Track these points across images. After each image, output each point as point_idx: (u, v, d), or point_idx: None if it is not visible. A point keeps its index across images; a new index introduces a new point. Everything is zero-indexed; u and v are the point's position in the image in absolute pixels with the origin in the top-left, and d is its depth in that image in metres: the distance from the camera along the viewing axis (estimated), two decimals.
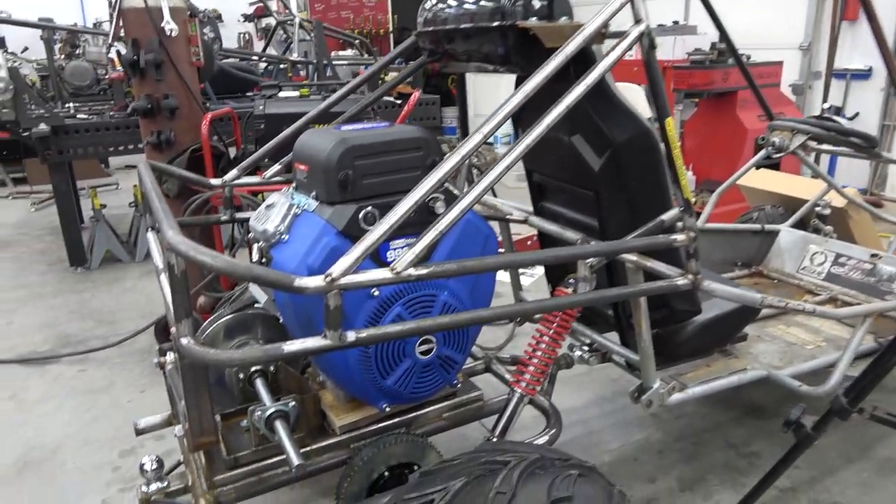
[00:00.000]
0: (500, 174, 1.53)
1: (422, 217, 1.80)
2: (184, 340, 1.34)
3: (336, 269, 1.34)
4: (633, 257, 1.95)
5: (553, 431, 2.07)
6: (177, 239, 1.26)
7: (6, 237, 6.55)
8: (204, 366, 1.31)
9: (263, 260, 1.92)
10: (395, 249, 1.83)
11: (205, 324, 2.17)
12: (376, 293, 1.78)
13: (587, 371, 3.56)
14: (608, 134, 1.92)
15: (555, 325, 1.95)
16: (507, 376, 2.46)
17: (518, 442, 1.76)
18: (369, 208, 1.75)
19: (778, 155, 2.86)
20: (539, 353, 1.95)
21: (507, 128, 9.43)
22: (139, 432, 2.25)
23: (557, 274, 2.68)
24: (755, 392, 3.29)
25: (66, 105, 6.19)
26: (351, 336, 1.38)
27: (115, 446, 3.05)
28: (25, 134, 4.93)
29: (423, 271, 1.41)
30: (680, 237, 1.75)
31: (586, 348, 2.58)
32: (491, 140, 9.95)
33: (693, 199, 1.95)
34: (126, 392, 3.54)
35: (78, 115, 5.47)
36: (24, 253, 6.04)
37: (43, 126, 4.79)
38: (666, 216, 1.81)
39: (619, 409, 3.27)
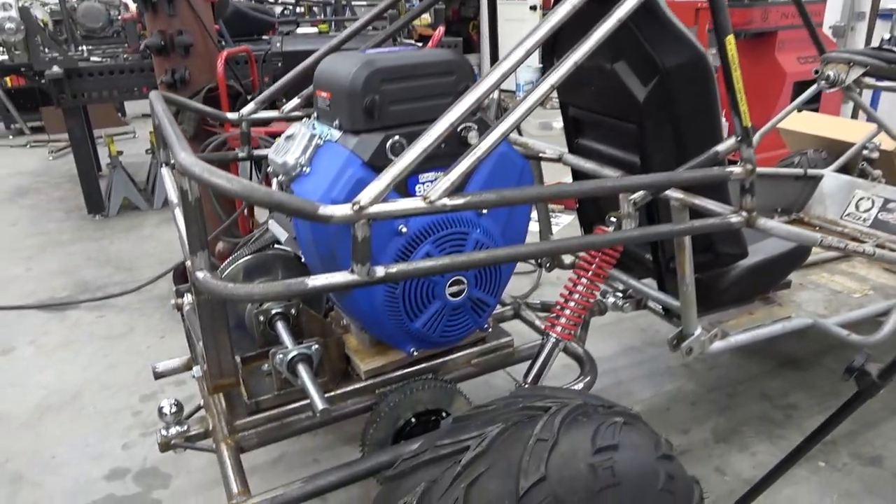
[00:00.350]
0: (538, 99, 1.38)
1: (453, 149, 1.66)
2: (199, 274, 1.23)
3: (364, 196, 1.22)
4: (678, 194, 1.81)
5: (588, 379, 1.97)
6: (189, 160, 1.14)
7: (24, 185, 6.50)
8: (222, 301, 1.21)
9: None
10: (423, 183, 1.71)
11: (222, 265, 2.08)
12: (404, 230, 1.66)
13: (615, 320, 3.46)
14: (657, 59, 1.76)
15: (593, 266, 1.82)
16: (538, 322, 2.35)
17: (558, 387, 1.65)
18: (397, 137, 1.62)
19: (832, 90, 2.67)
20: (576, 297, 1.83)
21: (530, 74, 9.15)
22: (158, 376, 2.18)
23: (591, 218, 2.55)
24: (791, 343, 3.17)
25: (79, 48, 6.04)
26: (380, 271, 1.27)
27: (134, 391, 3.01)
28: (39, 78, 4.82)
29: (458, 201, 1.29)
30: (737, 170, 1.60)
31: (620, 294, 2.47)
32: (513, 88, 9.69)
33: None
34: (145, 338, 3.49)
35: (91, 59, 5.32)
36: (42, 200, 6.00)
37: (56, 69, 4.66)
38: (721, 147, 1.66)
39: (649, 359, 3.16)
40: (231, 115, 2.25)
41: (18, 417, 2.87)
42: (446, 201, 1.28)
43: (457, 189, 1.31)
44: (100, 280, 4.25)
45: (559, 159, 2.30)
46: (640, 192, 1.79)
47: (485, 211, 1.77)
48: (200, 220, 1.23)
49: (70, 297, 3.99)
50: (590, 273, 1.82)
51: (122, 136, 8.09)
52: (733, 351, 3.06)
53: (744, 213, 1.66)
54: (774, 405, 2.76)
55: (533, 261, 3.83)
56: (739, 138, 1.61)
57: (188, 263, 1.26)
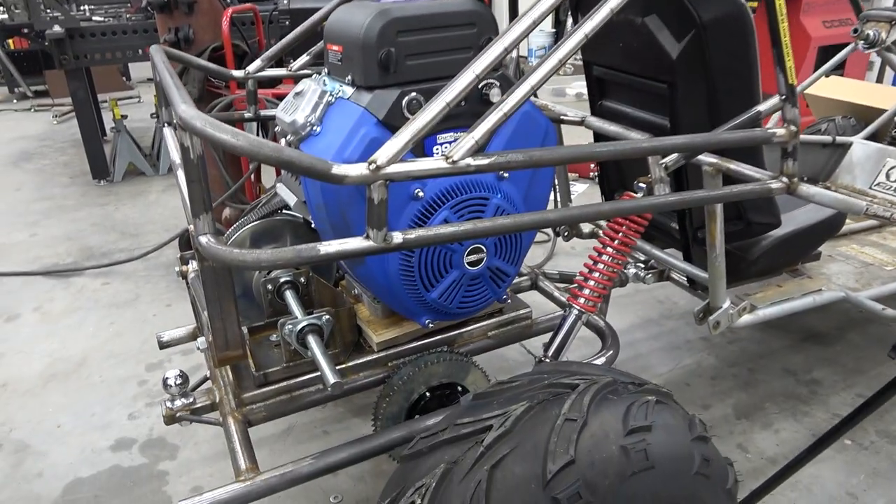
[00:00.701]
0: (571, 50, 1.27)
1: (473, 107, 1.56)
2: (203, 239, 1.14)
3: (381, 155, 1.12)
4: (711, 159, 1.70)
5: (610, 353, 1.88)
6: (191, 113, 1.04)
7: (29, 149, 6.41)
8: (227, 268, 1.12)
9: None
10: (441, 145, 1.60)
11: (228, 231, 1.99)
12: (421, 194, 1.56)
13: (632, 291, 3.37)
14: (693, 12, 1.63)
15: (620, 235, 1.72)
16: (556, 293, 2.26)
17: (585, 363, 1.57)
18: (414, 94, 1.51)
19: (870, 50, 2.52)
20: (601, 267, 1.73)
21: (543, 39, 8.92)
22: (163, 345, 2.11)
23: (613, 186, 2.43)
24: (812, 317, 3.07)
25: (81, 7, 5.89)
26: (397, 237, 1.17)
27: (140, 360, 2.95)
28: (42, 40, 4.69)
29: (483, 161, 1.19)
30: (780, 132, 1.49)
31: (642, 265, 2.37)
32: (524, 54, 9.46)
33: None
34: (151, 306, 3.42)
35: (93, 18, 5.18)
36: (46, 165, 5.91)
37: (57, 28, 4.53)
38: (763, 106, 1.54)
39: (667, 333, 3.08)
40: (237, 73, 2.13)
41: (23, 385, 2.82)
42: (470, 161, 1.17)
43: (480, 149, 1.20)
44: (105, 246, 4.17)
45: (582, 122, 2.17)
46: (673, 156, 1.68)
47: (506, 175, 1.66)
48: (203, 179, 1.13)
49: (75, 264, 3.92)
50: (616, 242, 1.72)
51: (127, 101, 7.96)
52: (754, 325, 2.97)
53: (784, 179, 1.55)
54: (798, 381, 2.67)
55: (550, 229, 3.73)
56: (784, 97, 1.49)
57: (191, 228, 1.17)
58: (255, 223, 1.99)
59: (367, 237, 1.16)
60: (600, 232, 2.65)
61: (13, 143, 6.65)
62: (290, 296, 1.83)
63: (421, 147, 1.58)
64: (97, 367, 2.93)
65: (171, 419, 1.75)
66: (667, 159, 1.68)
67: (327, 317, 1.71)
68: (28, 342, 3.14)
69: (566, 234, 2.67)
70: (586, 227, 2.65)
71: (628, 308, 3.27)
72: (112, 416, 2.60)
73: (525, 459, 1.12)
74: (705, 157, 1.70)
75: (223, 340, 1.34)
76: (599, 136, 2.30)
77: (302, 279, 1.88)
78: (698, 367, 2.80)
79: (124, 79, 8.87)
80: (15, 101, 8.55)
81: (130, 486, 2.27)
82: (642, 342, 3.01)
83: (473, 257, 1.67)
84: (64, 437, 2.51)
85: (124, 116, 5.35)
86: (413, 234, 1.19)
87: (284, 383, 1.74)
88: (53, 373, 2.90)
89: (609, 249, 1.73)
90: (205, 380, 2.03)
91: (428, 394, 1.80)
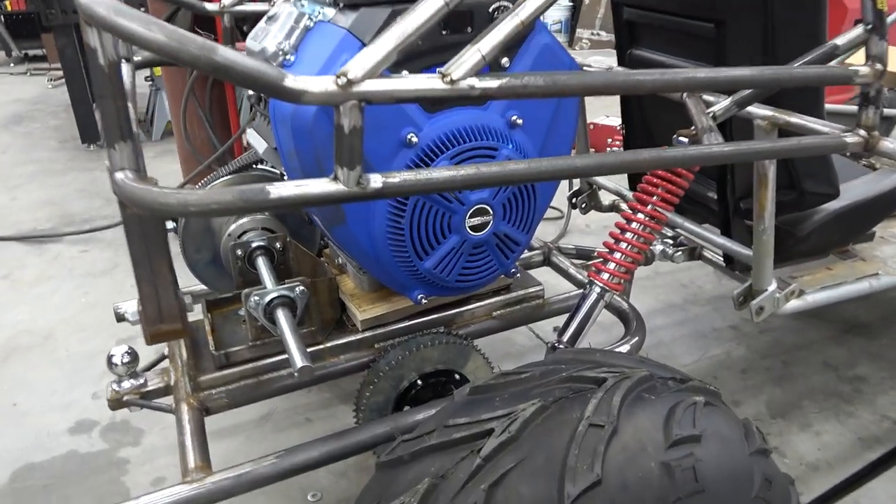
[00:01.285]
0: None
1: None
2: (119, 175, 0.86)
3: (353, 67, 0.84)
4: (766, 111, 1.41)
5: (635, 340, 1.60)
6: None
7: (20, 112, 6.15)
8: (151, 213, 0.85)
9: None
10: None
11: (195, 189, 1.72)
12: (414, 140, 1.28)
13: (651, 274, 3.08)
14: None
15: (654, 198, 1.42)
16: (572, 270, 1.98)
17: (610, 351, 1.29)
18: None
19: None
20: (630, 237, 1.44)
21: (559, 13, 8.54)
22: (120, 318, 1.84)
23: (640, 145, 2.14)
24: (855, 306, 2.77)
25: None
26: (374, 181, 0.89)
27: (112, 334, 2.68)
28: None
29: (490, 83, 0.90)
30: (863, 70, 1.19)
31: (670, 241, 2.08)
32: None
33: None
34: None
35: None
36: (36, 129, 5.65)
37: None
38: (842, 39, 1.24)
39: (692, 319, 2.79)
40: (210, 6, 1.84)
41: None
42: (474, 82, 0.89)
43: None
44: (87, 212, 3.91)
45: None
46: (723, 104, 1.40)
47: (519, 121, 1.37)
48: (120, 96, 0.85)
49: (53, 230, 3.66)
50: (649, 207, 1.43)
51: None
52: (801, 311, 2.68)
53: (861, 132, 1.26)
54: (840, 377, 2.38)
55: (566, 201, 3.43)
56: (870, 26, 1.19)
57: (106, 163, 0.89)
58: (225, 178, 1.72)
59: (336, 178, 0.88)
60: (622, 205, 2.37)
61: (5, 106, 6.39)
62: (262, 263, 1.56)
63: None
64: (64, 340, 2.68)
65: (117, 404, 1.50)
66: (716, 107, 1.40)
67: (301, 288, 1.44)
68: None
69: (584, 205, 2.39)
70: (606, 199, 2.36)
71: (648, 291, 2.99)
72: (74, 394, 2.35)
73: (535, 477, 0.85)
74: (757, 109, 1.42)
75: (155, 311, 1.06)
76: (626, 97, 2.01)
77: (278, 244, 1.61)
78: (727, 359, 2.51)
79: None
80: (12, 65, 8.28)
81: (86, 473, 2.02)
82: (664, 329, 2.72)
83: (477, 220, 1.39)
84: (19, 417, 2.26)
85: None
86: (397, 178, 0.91)
87: (249, 366, 1.48)
88: (16, 345, 2.65)
89: (640, 216, 1.44)
90: (162, 358, 1.76)
91: (420, 382, 1.53)
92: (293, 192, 0.86)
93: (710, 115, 1.36)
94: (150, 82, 5.41)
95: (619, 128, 4.79)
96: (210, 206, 0.83)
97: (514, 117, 1.37)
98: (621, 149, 4.76)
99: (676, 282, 3.06)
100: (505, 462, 0.86)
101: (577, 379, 0.98)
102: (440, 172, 0.93)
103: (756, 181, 1.49)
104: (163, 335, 1.07)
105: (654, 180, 1.42)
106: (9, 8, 8.04)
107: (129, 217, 0.98)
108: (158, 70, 4.71)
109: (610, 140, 4.71)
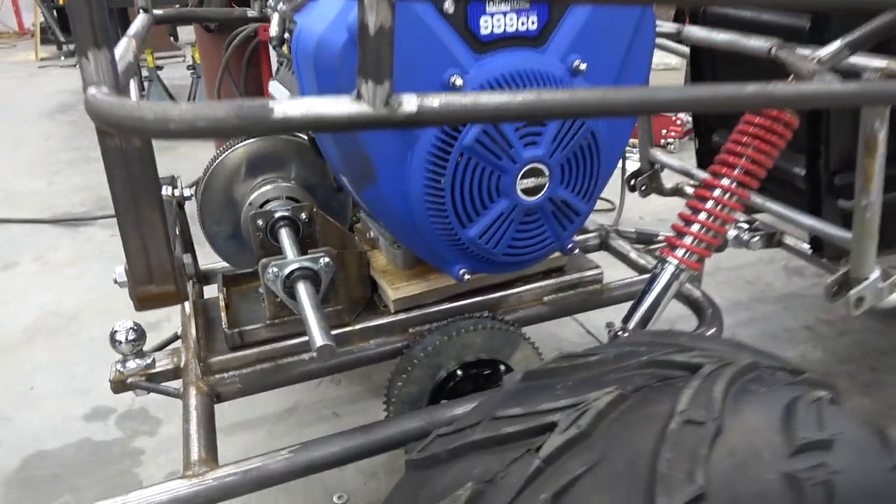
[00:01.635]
0: None
1: None
2: (91, 91, 0.69)
3: None
4: (880, 62, 1.18)
5: (713, 332, 1.37)
6: None
7: (67, 102, 6.21)
8: (124, 132, 0.68)
9: (286, 34, 1.26)
10: (493, 15, 1.11)
11: (216, 152, 1.56)
12: (459, 82, 1.09)
13: (711, 269, 2.82)
14: None
15: (743, 160, 1.19)
16: (633, 255, 1.76)
17: (698, 335, 1.07)
18: None
19: None
20: (712, 207, 1.20)
21: None
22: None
23: (712, 125, 1.91)
24: None
25: None
26: (408, 103, 0.70)
27: (138, 317, 2.55)
28: None
29: None
30: None
31: (744, 226, 1.84)
32: None
33: None
34: None
35: None
36: (80, 117, 5.66)
37: None
38: None
39: (760, 319, 2.53)
40: None
41: (4, 339, 2.47)
42: None
43: None
44: None
45: (678, 35, 1.66)
46: (831, 48, 1.16)
47: (583, 66, 1.17)
48: None
49: (87, 213, 3.59)
50: (737, 170, 1.20)
51: (172, 60, 7.69)
52: (870, 311, 2.40)
53: None
54: None
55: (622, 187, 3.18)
56: None
57: (82, 76, 0.72)
58: (251, 141, 1.55)
59: (359, 96, 0.68)
60: (687, 189, 2.13)
61: (52, 96, 6.45)
62: (285, 234, 1.38)
63: (462, 17, 1.10)
64: (89, 323, 2.56)
65: (120, 385, 1.34)
66: (821, 51, 1.16)
67: (327, 260, 1.25)
68: (20, 293, 2.80)
69: (643, 187, 2.16)
70: (670, 182, 2.13)
71: (709, 288, 2.71)
72: (93, 379, 2.22)
73: (614, 486, 0.64)
74: (870, 61, 1.19)
75: (143, 268, 0.88)
76: (700, 57, 1.79)
77: (303, 215, 1.43)
78: (803, 362, 2.24)
79: (172, 39, 8.63)
80: (63, 58, 8.44)
81: (99, 463, 1.88)
82: (729, 329, 2.43)
83: (531, 182, 1.18)
84: (35, 401, 2.14)
85: (159, 67, 5.03)
86: (436, 101, 0.71)
87: (267, 347, 1.30)
88: (40, 327, 2.55)
89: (725, 182, 1.21)
90: (175, 338, 1.60)
91: (460, 372, 1.33)
92: (303, 110, 0.67)
93: (817, 60, 1.13)
94: (192, 70, 5.37)
95: (674, 118, 4.53)
96: (196, 123, 0.64)
97: (577, 62, 1.16)
98: (677, 141, 4.51)
99: (740, 278, 2.79)
100: (573, 466, 0.65)
101: (663, 364, 0.77)
102: (491, 97, 0.73)
103: (862, 147, 1.26)
104: (153, 298, 0.89)
105: (750, 129, 1.19)
106: (61, 2, 8.14)
107: (109, 149, 0.82)
108: (198, 56, 4.64)
109: (664, 131, 4.44)
